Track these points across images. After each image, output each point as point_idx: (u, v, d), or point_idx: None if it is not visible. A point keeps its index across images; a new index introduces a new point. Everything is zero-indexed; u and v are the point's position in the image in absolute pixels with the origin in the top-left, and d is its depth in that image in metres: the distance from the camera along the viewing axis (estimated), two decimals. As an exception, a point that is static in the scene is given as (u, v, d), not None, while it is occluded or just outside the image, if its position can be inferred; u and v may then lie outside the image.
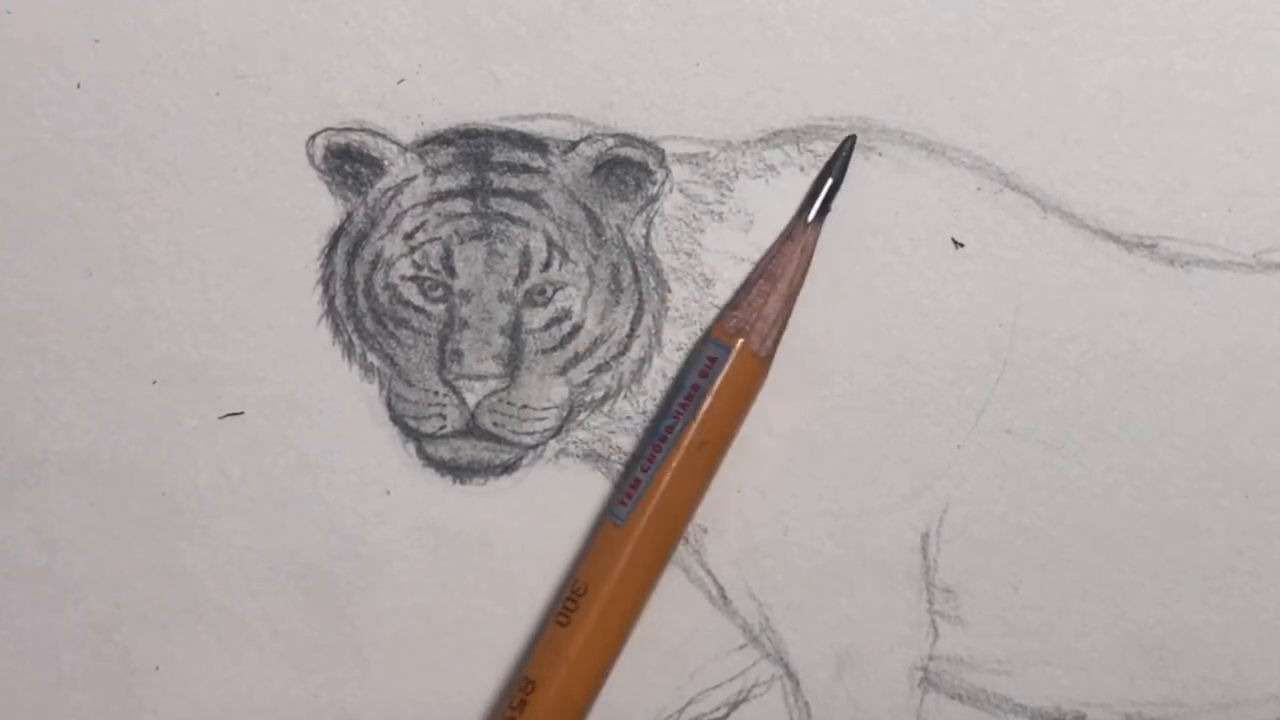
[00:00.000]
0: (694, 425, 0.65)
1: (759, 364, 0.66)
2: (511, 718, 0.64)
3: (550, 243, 0.68)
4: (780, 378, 0.68)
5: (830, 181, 0.67)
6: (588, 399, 0.69)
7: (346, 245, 0.69)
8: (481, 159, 0.68)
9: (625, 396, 0.69)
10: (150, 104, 0.68)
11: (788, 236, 0.67)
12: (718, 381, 0.65)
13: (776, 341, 0.66)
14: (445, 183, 0.68)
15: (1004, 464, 0.69)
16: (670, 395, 0.68)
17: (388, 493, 0.70)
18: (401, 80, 0.68)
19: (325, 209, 0.69)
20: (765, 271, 0.66)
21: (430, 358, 0.68)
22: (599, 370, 0.69)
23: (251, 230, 0.69)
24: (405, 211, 0.68)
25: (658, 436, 0.65)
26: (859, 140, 0.67)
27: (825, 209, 0.67)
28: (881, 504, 0.69)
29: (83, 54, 0.68)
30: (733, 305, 0.67)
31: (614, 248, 0.68)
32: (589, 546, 0.68)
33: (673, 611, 0.69)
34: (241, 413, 0.70)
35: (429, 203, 0.68)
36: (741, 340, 0.65)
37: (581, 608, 0.65)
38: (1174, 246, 0.68)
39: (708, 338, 0.66)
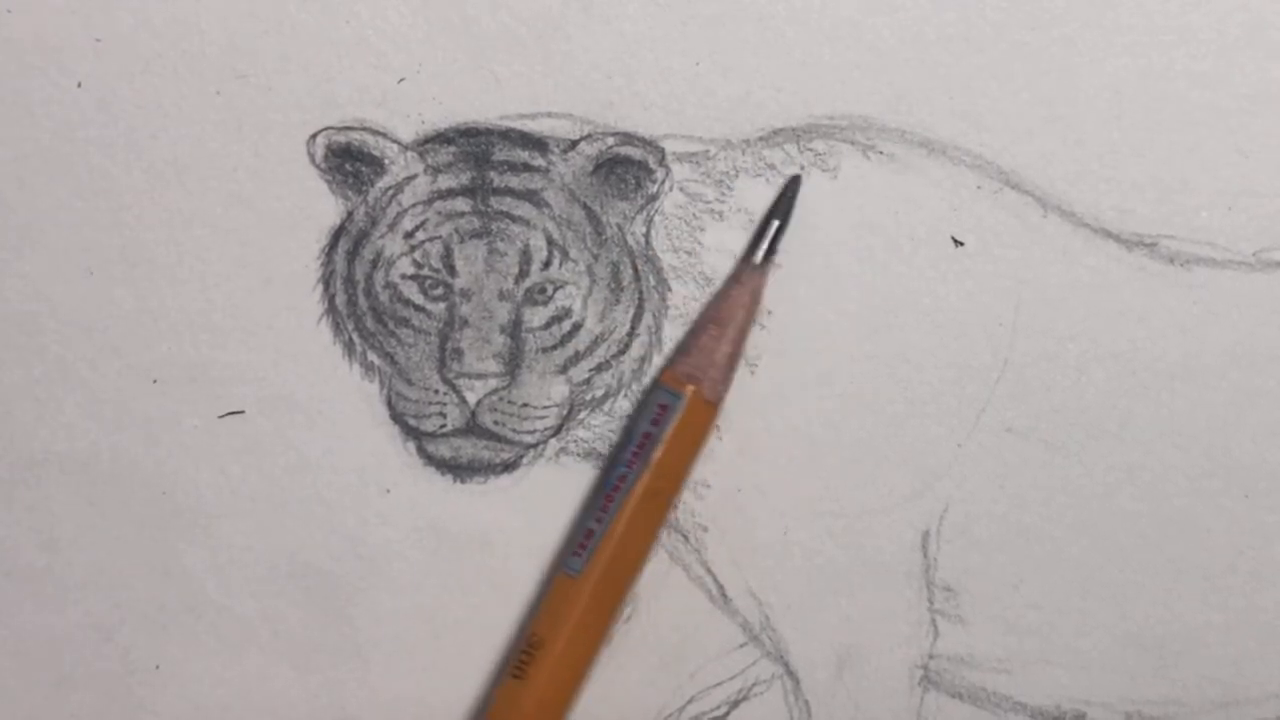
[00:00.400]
0: (646, 474, 0.64)
1: (709, 410, 0.66)
2: None
3: (550, 241, 0.68)
4: (781, 377, 0.68)
5: (776, 224, 0.67)
6: (588, 398, 0.69)
7: (347, 244, 0.69)
8: (482, 158, 0.68)
9: (626, 395, 0.69)
10: (151, 103, 0.68)
11: (735, 280, 0.67)
12: (669, 430, 0.65)
13: (726, 386, 0.66)
14: (446, 181, 0.68)
15: (1004, 463, 0.69)
16: (621, 443, 0.68)
17: (388, 492, 0.70)
18: (402, 79, 0.68)
19: (325, 208, 0.69)
20: (714, 316, 0.66)
21: (430, 356, 0.68)
22: (599, 369, 0.69)
23: (252, 229, 0.69)
24: (406, 210, 0.68)
25: (609, 486, 0.65)
26: (859, 139, 0.67)
27: (772, 250, 0.67)
28: (881, 504, 0.69)
29: (83, 53, 0.68)
30: (682, 350, 0.67)
31: (614, 246, 0.68)
32: (542, 597, 0.67)
33: (673, 611, 0.69)
34: (242, 412, 0.70)
35: (429, 201, 0.68)
36: (692, 387, 0.65)
37: (537, 660, 0.64)
38: (1174, 245, 0.68)
39: (657, 384, 0.66)
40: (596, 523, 0.65)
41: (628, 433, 0.67)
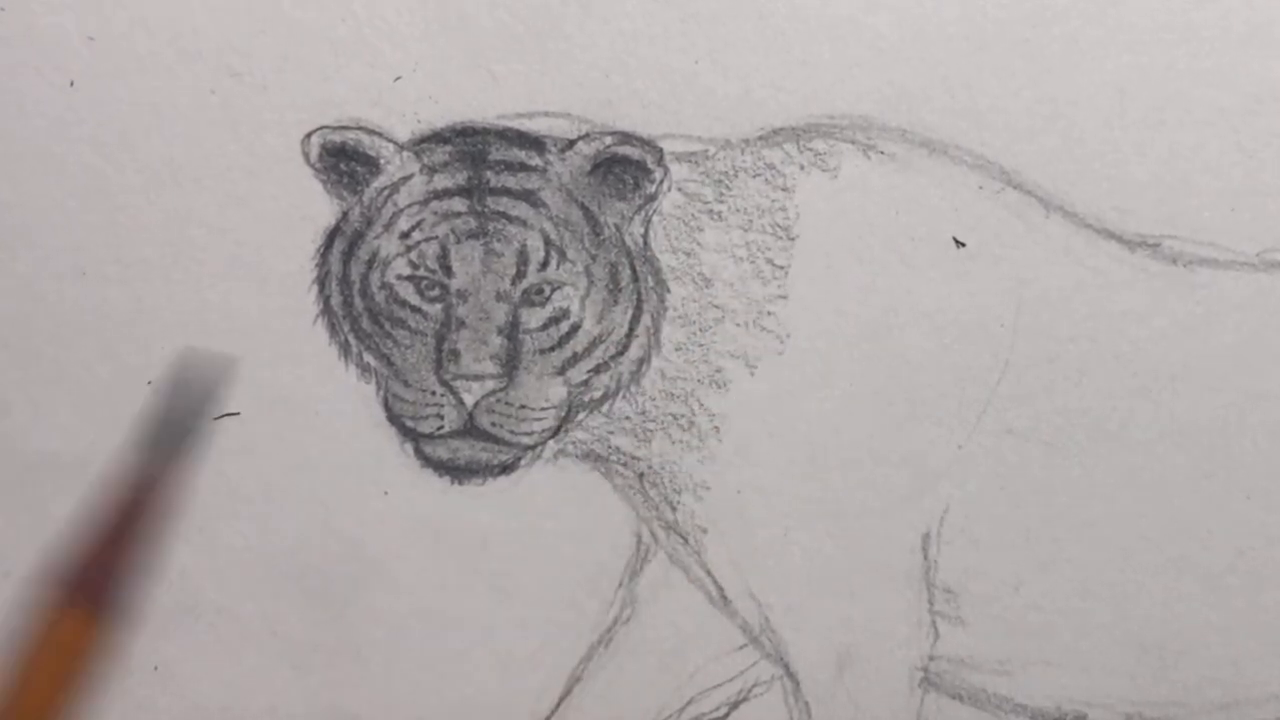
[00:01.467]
0: None
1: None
2: None
3: (548, 242, 0.67)
4: (781, 378, 0.68)
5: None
6: (586, 399, 0.69)
7: (342, 244, 0.68)
8: (478, 157, 0.67)
9: (624, 397, 0.69)
10: (145, 102, 0.68)
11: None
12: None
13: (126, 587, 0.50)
14: (442, 181, 0.68)
15: (1005, 464, 0.69)
16: None
17: (386, 493, 0.69)
18: (398, 78, 0.67)
19: (321, 208, 0.68)
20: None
21: (427, 358, 0.68)
22: (597, 370, 0.68)
23: (247, 229, 0.68)
24: (401, 210, 0.68)
25: None
26: (860, 138, 0.67)
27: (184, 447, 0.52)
28: (881, 504, 0.69)
29: (77, 52, 0.68)
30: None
31: (612, 247, 0.68)
32: None
33: (672, 612, 0.69)
34: (238, 413, 0.69)
35: (425, 201, 0.68)
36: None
37: None
38: (1177, 246, 0.67)
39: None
40: None
41: None
